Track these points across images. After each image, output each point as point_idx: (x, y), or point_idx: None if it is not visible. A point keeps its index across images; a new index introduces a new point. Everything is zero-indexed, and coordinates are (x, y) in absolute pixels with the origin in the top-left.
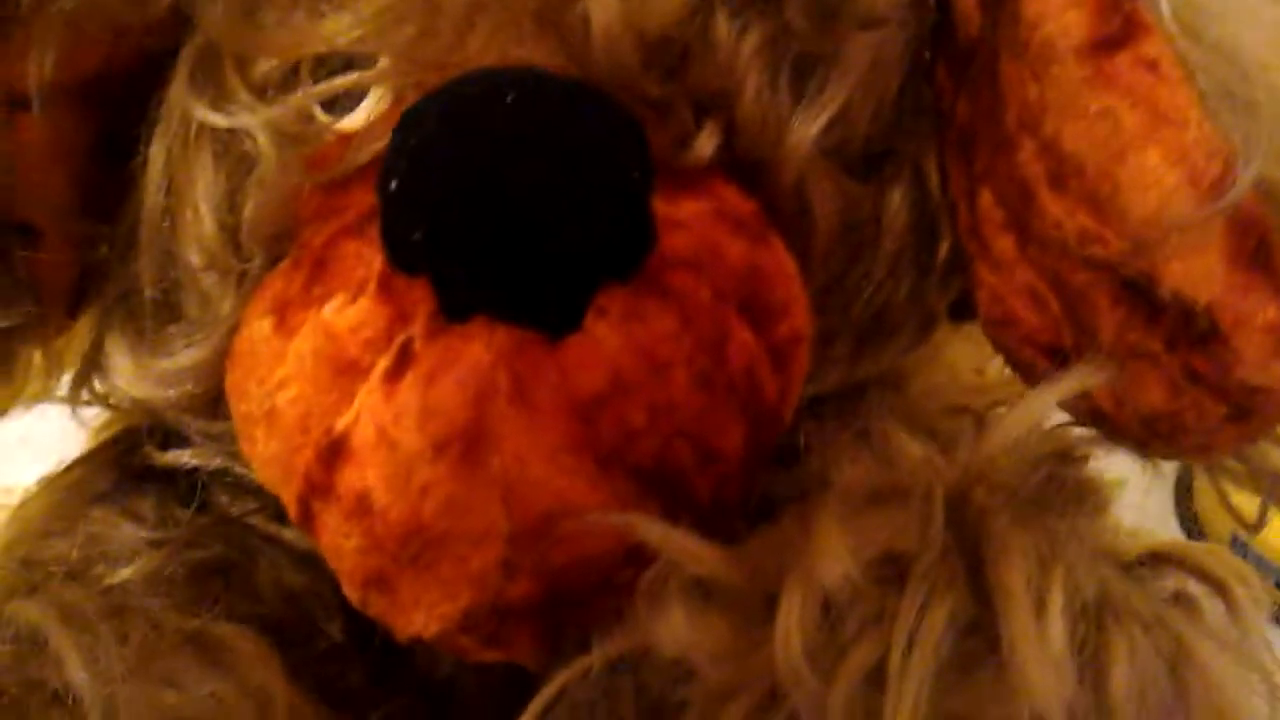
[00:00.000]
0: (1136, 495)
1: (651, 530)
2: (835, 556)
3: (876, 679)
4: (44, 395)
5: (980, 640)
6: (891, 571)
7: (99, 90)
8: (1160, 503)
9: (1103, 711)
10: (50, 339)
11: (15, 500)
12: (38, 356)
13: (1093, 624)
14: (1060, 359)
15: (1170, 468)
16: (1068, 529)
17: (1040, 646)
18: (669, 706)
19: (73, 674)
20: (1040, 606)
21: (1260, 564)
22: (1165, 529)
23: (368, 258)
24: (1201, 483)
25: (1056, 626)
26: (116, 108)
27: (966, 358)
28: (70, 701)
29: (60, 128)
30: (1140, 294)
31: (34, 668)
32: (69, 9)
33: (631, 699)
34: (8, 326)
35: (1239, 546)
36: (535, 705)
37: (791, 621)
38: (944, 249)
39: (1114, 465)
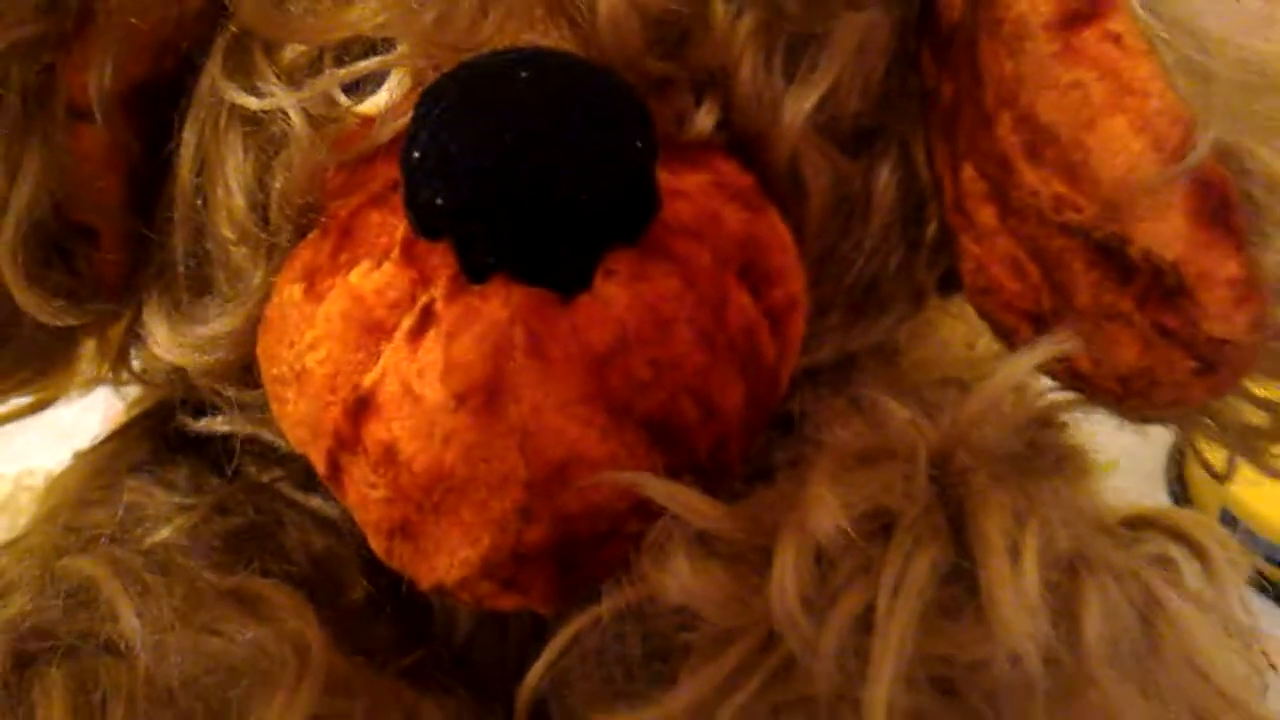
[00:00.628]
0: (1128, 476)
1: (658, 488)
2: (827, 511)
3: (865, 622)
4: (96, 381)
5: (961, 587)
6: (879, 525)
7: (146, 96)
8: (1152, 481)
9: (1077, 653)
10: (106, 330)
11: (37, 480)
12: (92, 346)
13: (1066, 572)
14: (1040, 323)
15: (1162, 448)
16: (1046, 489)
17: (1015, 592)
18: (673, 650)
19: (125, 622)
20: (1015, 555)
21: (1250, 538)
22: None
23: (391, 226)
24: (1193, 463)
25: (1030, 573)
26: (161, 110)
27: (958, 334)
28: (122, 648)
29: (115, 134)
30: (1112, 256)
31: (84, 619)
32: (115, 5)
33: (638, 644)
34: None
35: (1228, 519)
36: (550, 651)
37: (786, 571)
38: (932, 227)
39: (1108, 447)
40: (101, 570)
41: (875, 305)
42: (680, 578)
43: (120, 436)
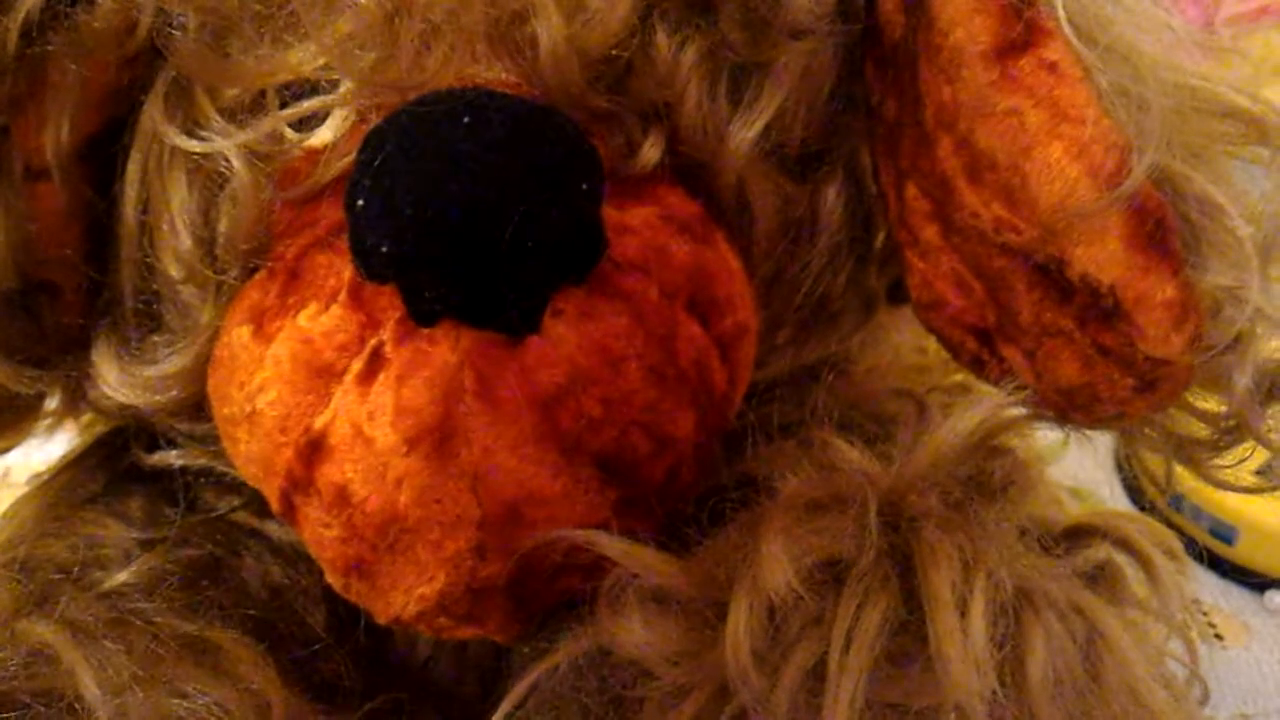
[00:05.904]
0: (1079, 455)
1: (613, 546)
2: (779, 566)
3: (817, 674)
4: (58, 425)
5: (911, 637)
6: (830, 575)
7: (98, 148)
8: (1101, 460)
9: (1021, 701)
10: (70, 381)
11: None
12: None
13: (1012, 620)
14: (985, 337)
15: None
16: (993, 525)
17: (963, 646)
18: (629, 701)
19: (85, 688)
20: (963, 609)
21: (1196, 514)
22: (1109, 480)
23: (338, 268)
24: None
25: (977, 627)
26: (110, 153)
27: (910, 338)
28: (82, 712)
29: (72, 189)
30: (1052, 278)
31: (45, 679)
32: (60, 52)
33: (596, 694)
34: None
35: (1175, 496)
36: (510, 699)
37: (739, 627)
38: (881, 237)
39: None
40: (60, 637)
41: (826, 319)
42: (634, 633)
43: (75, 466)
